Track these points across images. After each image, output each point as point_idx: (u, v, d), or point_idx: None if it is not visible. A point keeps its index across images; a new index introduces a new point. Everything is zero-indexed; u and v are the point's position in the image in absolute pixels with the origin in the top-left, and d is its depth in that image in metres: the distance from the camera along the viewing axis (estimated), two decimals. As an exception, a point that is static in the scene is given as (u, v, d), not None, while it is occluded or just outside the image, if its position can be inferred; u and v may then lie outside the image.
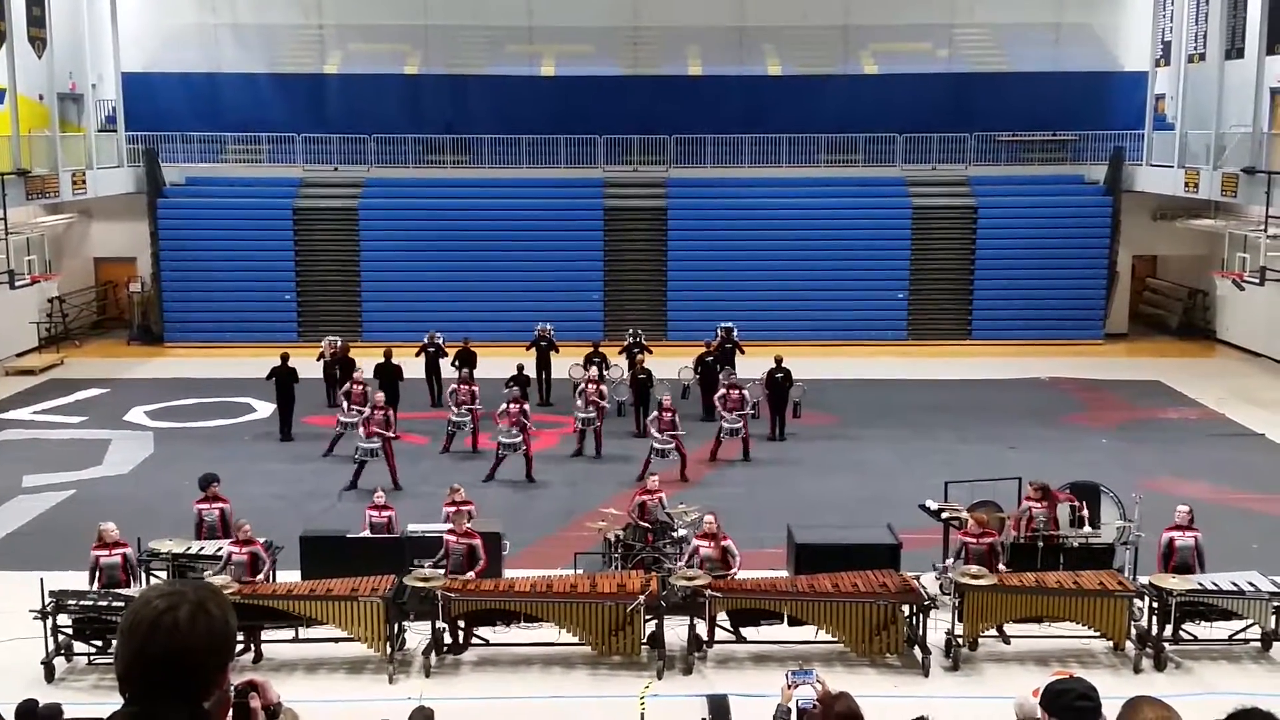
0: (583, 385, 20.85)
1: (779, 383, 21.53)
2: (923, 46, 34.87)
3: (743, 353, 23.92)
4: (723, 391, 20.30)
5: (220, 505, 14.38)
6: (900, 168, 32.49)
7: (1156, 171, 30.39)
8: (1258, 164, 25.60)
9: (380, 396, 19.57)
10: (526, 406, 19.41)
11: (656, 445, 18.92)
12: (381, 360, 22.40)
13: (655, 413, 19.37)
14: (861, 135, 32.38)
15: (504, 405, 19.35)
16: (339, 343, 24.33)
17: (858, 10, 33.91)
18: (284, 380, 21.69)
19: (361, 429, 19.05)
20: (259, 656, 12.52)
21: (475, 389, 20.78)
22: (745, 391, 20.37)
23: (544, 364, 24.08)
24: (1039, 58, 33.67)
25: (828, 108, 32.48)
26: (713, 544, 13.21)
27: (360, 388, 20.52)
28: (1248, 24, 27.85)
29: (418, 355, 23.93)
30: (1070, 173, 32.73)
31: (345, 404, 20.43)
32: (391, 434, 18.91)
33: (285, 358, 21.98)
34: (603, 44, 34.38)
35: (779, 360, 21.91)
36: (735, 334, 24.40)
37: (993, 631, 12.81)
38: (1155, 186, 30.45)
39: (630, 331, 25.18)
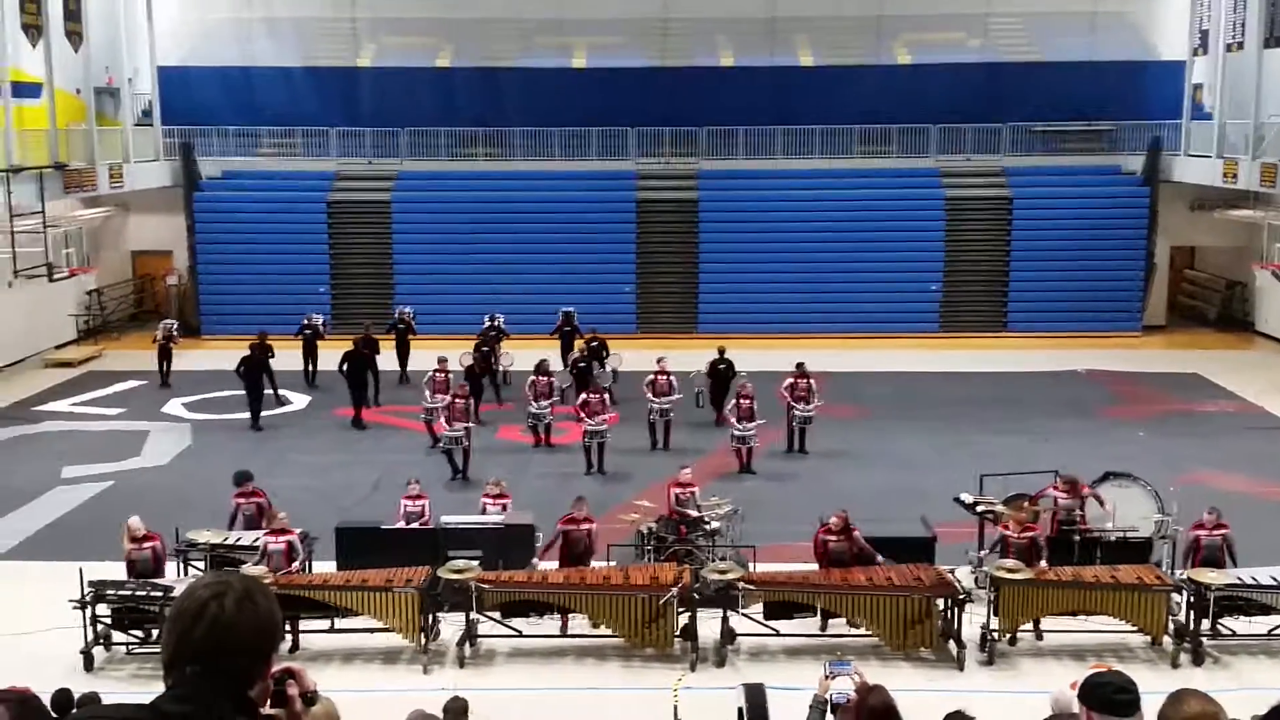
0: (652, 377, 20.70)
1: (721, 373, 21.60)
2: (956, 36, 34.65)
3: (580, 336, 24.33)
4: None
5: (256, 500, 14.49)
6: (934, 159, 32.29)
7: (1194, 162, 30.06)
8: (1298, 153, 25.30)
9: (465, 386, 19.69)
10: (606, 396, 19.39)
11: (737, 433, 18.93)
12: (248, 353, 22.35)
13: (733, 401, 19.25)
14: (895, 126, 32.20)
15: (583, 396, 19.41)
16: (174, 325, 25.45)
17: (890, 0, 33.69)
18: (255, 368, 22.00)
19: (443, 417, 19.12)
20: (295, 646, 12.62)
21: (554, 381, 20.73)
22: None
23: (403, 348, 24.90)
24: (1074, 47, 33.35)
25: (860, 98, 32.29)
26: (841, 538, 13.13)
27: (443, 376, 20.56)
28: (1288, 12, 27.51)
29: (296, 337, 24.51)
30: (1107, 163, 32.44)
31: (429, 392, 20.50)
32: (471, 423, 18.97)
33: (254, 347, 22.38)
34: (634, 36, 34.35)
35: (722, 351, 22.09)
36: (575, 319, 24.92)
37: (1028, 626, 12.74)
38: (1193, 177, 30.14)
39: (489, 316, 25.20)
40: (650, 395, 20.40)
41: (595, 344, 23.57)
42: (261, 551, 13.05)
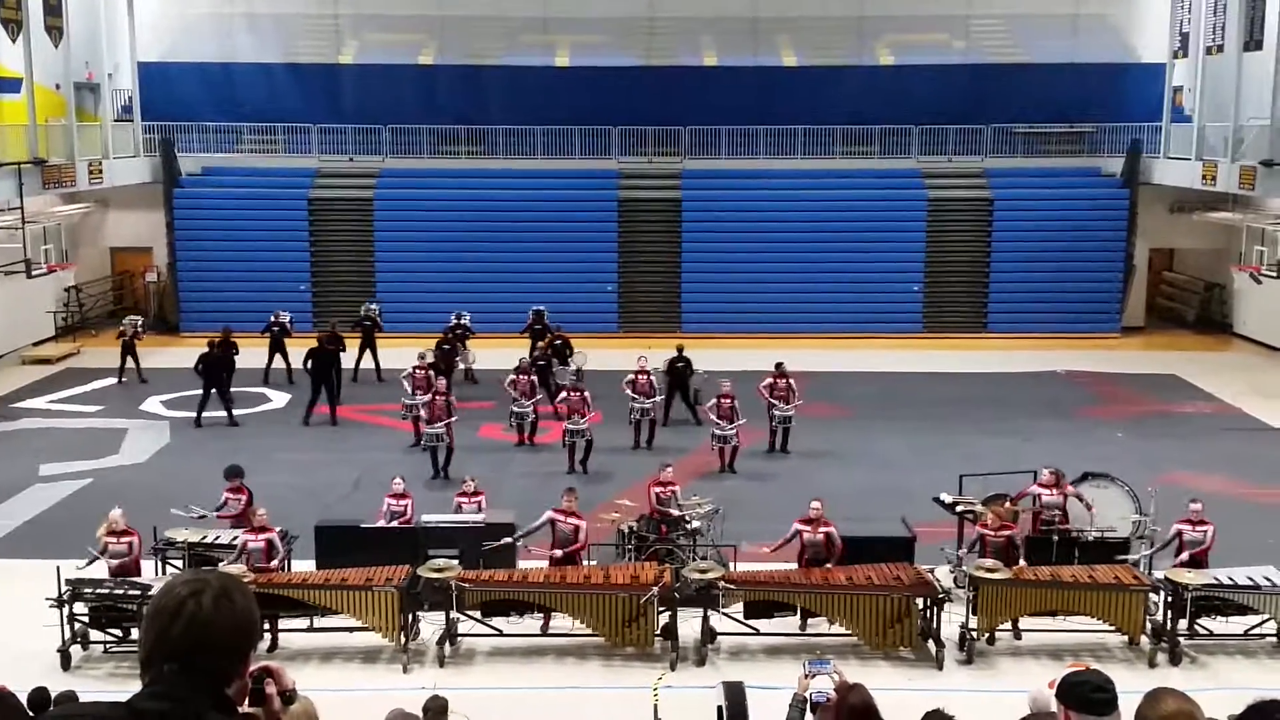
0: (632, 377, 20.61)
1: (679, 372, 21.72)
2: (939, 37, 34.75)
3: (550, 333, 24.42)
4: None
5: (241, 496, 14.47)
6: (916, 160, 32.39)
7: (1174, 164, 30.23)
8: (1276, 157, 25.40)
9: (442, 382, 19.64)
10: (588, 394, 19.38)
11: (717, 432, 18.93)
12: (206, 350, 22.31)
13: (714, 400, 19.24)
14: (877, 127, 32.28)
15: (565, 393, 19.35)
16: (139, 321, 25.54)
17: (873, 1, 33.77)
18: (214, 365, 22.00)
19: (424, 413, 19.05)
20: (274, 645, 12.57)
21: (534, 379, 20.72)
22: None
23: (370, 345, 25.14)
24: (1056, 49, 33.50)
25: (843, 99, 32.37)
26: (815, 529, 13.17)
27: (424, 372, 20.51)
28: (1266, 15, 27.64)
29: (264, 334, 24.71)
30: (1087, 165, 32.60)
31: (408, 387, 20.46)
32: (454, 418, 18.93)
33: (212, 344, 22.44)
34: (618, 35, 34.33)
35: (680, 349, 22.23)
36: (546, 317, 25.01)
37: (1006, 626, 12.79)
38: (1173, 179, 30.31)
39: (455, 314, 25.33)
40: (631, 394, 20.42)
41: (559, 342, 23.66)
42: (240, 549, 13.00)
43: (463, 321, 25.10)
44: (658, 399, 20.70)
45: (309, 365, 22.17)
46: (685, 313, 31.21)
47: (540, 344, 23.89)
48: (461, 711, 9.39)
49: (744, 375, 21.13)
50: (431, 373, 20.53)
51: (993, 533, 13.24)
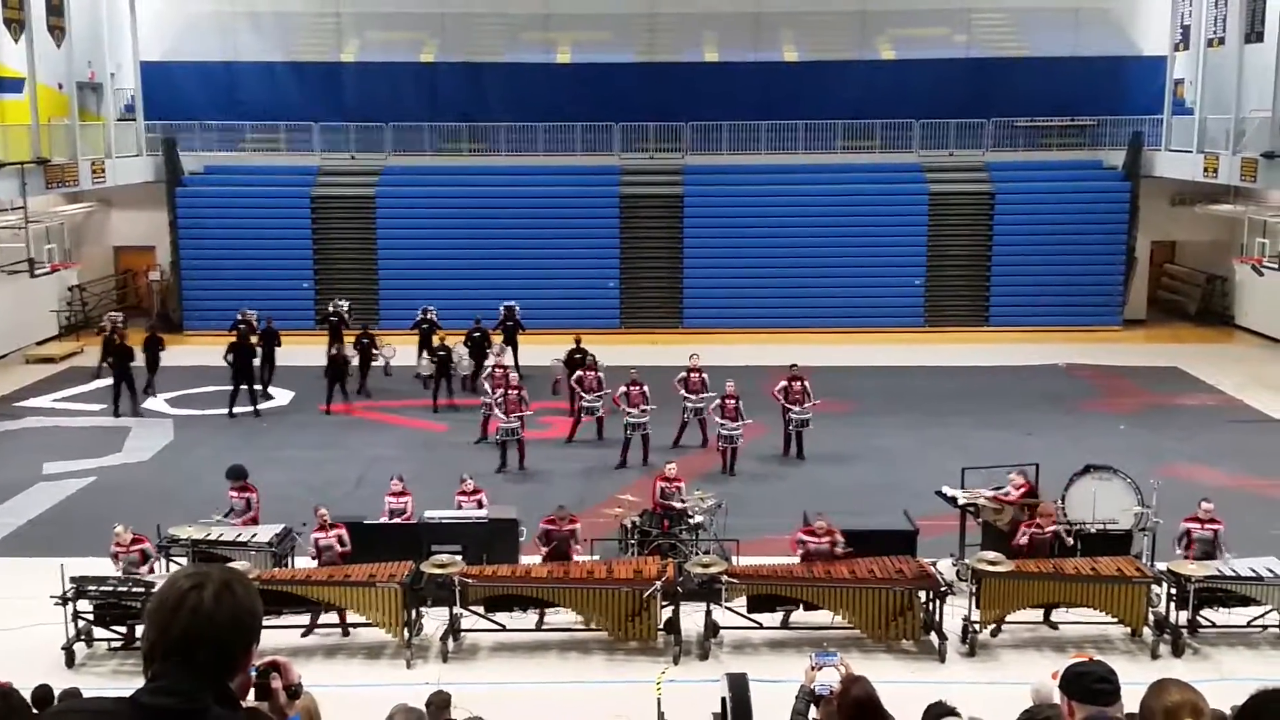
0: (684, 375, 20.22)
1: (578, 363, 21.79)
2: (940, 31, 34.70)
3: (524, 330, 24.89)
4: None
5: (247, 495, 14.51)
6: (917, 153, 32.37)
7: (1175, 156, 30.18)
8: (1277, 149, 25.38)
9: (516, 377, 19.68)
10: (646, 389, 19.35)
11: (723, 432, 18.82)
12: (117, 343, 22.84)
13: (718, 400, 19.02)
14: (878, 121, 32.26)
15: (624, 388, 19.38)
16: (120, 318, 25.52)
17: (874, -5, 33.75)
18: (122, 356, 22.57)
19: (499, 410, 19.14)
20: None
21: (601, 375, 20.61)
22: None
23: (337, 342, 25.12)
24: (1057, 42, 33.46)
25: (844, 94, 32.34)
26: (820, 538, 13.13)
27: (502, 371, 20.62)
28: (1268, 7, 27.57)
29: (231, 331, 24.73)
30: (1088, 158, 32.56)
31: (488, 385, 20.54)
32: (529, 411, 19.18)
33: (122, 338, 23.13)
34: (619, 31, 34.33)
35: (578, 340, 22.46)
36: (517, 313, 25.23)
37: (1015, 616, 12.77)
38: (1174, 172, 30.24)
39: (422, 309, 25.51)
40: (684, 393, 20.09)
41: (478, 334, 23.92)
42: (315, 548, 13.12)
43: (429, 316, 25.15)
44: (710, 395, 19.90)
45: (229, 358, 22.54)
46: (687, 308, 31.22)
47: (436, 336, 23.87)
48: (465, 706, 9.41)
49: (747, 371, 21.10)
50: (509, 371, 20.74)
51: (1040, 529, 13.28)
